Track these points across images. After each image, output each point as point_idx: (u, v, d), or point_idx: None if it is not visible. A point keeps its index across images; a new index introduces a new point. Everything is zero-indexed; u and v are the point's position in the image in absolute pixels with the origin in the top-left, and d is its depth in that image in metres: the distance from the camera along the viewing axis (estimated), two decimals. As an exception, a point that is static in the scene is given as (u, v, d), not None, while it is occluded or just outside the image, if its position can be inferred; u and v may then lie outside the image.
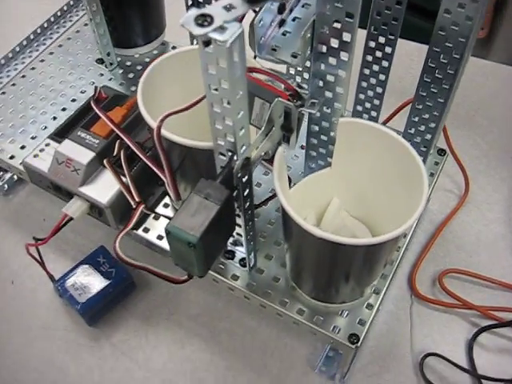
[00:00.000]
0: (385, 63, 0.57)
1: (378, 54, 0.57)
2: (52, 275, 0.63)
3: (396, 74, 0.59)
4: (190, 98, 0.46)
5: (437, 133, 0.57)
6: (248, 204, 0.46)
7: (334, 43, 0.41)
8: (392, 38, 0.55)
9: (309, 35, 0.43)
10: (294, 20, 0.46)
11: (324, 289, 0.52)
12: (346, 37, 0.41)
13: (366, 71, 0.59)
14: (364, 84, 0.60)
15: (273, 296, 0.54)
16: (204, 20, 0.31)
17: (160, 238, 0.57)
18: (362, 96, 0.62)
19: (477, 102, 0.83)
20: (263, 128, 0.43)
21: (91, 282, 0.62)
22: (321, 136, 0.49)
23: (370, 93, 0.61)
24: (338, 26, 0.40)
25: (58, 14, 0.92)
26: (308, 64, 0.46)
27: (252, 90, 0.43)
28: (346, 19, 0.39)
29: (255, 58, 0.47)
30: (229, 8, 0.32)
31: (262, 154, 0.44)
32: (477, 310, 0.63)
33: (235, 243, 0.54)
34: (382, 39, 0.55)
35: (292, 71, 0.65)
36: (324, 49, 0.42)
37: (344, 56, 0.42)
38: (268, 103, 0.43)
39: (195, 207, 0.41)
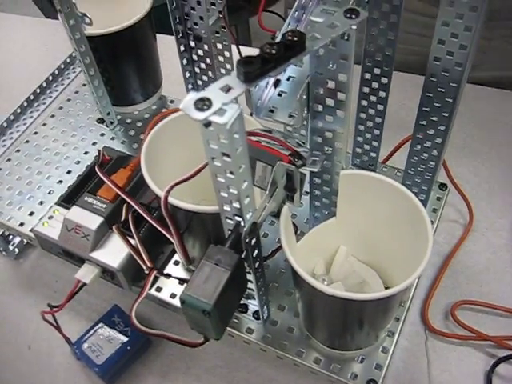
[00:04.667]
0: (380, 107, 0.58)
1: (373, 98, 0.58)
2: (68, 338, 0.63)
3: (391, 106, 0.59)
4: (194, 157, 0.46)
5: (437, 171, 0.58)
6: (258, 263, 0.46)
7: (330, 102, 0.43)
8: (385, 81, 0.56)
9: (304, 97, 0.44)
10: (288, 79, 0.47)
11: (338, 338, 0.52)
12: (341, 96, 0.42)
13: (362, 115, 0.60)
14: (361, 127, 0.61)
15: (289, 347, 0.54)
16: (203, 104, 0.32)
17: (173, 296, 0.58)
18: (360, 139, 0.63)
19: (474, 128, 0.84)
20: (267, 190, 0.44)
21: (107, 342, 0.62)
22: (323, 188, 0.50)
23: (368, 135, 0.62)
24: (332, 86, 0.41)
25: (56, 72, 0.94)
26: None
27: (253, 155, 0.44)
28: (340, 80, 0.41)
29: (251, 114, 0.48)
30: (226, 90, 0.33)
31: (268, 214, 0.45)
32: (492, 341, 0.63)
33: (248, 297, 0.55)
34: (375, 84, 0.57)
35: (290, 129, 0.66)
36: (320, 108, 0.43)
37: (340, 114, 0.43)
38: (270, 166, 0.44)
39: (207, 274, 0.42)
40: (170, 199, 0.46)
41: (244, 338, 0.55)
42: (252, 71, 0.33)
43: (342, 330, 0.51)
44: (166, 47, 0.76)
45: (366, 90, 0.57)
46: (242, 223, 0.41)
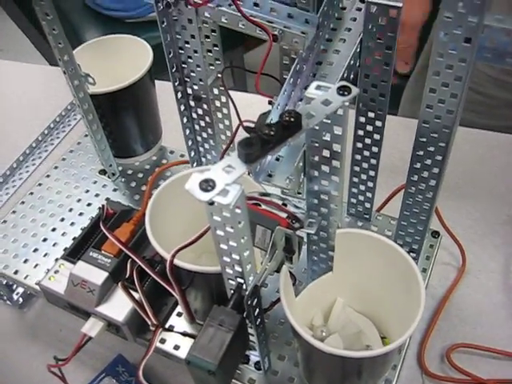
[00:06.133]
0: (373, 161, 0.61)
1: (366, 153, 0.61)
2: (73, 388, 0.65)
3: (384, 150, 0.62)
4: (198, 215, 0.48)
5: (429, 222, 0.60)
6: (259, 320, 0.48)
7: (325, 169, 0.45)
8: (378, 138, 0.59)
9: (301, 164, 0.46)
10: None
11: (338, 388, 0.54)
12: (336, 164, 0.44)
13: (356, 168, 0.63)
14: (355, 179, 0.64)
15: (290, 397, 0.56)
16: (207, 185, 0.35)
17: (176, 347, 0.59)
18: (354, 190, 0.65)
19: (464, 170, 0.86)
20: (268, 253, 0.46)
21: (112, 392, 0.64)
22: (320, 244, 0.52)
23: (362, 187, 0.64)
24: (327, 154, 0.44)
25: (57, 119, 0.97)
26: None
27: (253, 219, 0.46)
28: (334, 150, 0.43)
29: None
30: (228, 170, 0.36)
31: (269, 275, 0.47)
32: (487, 384, 0.65)
33: (249, 348, 0.57)
34: (368, 140, 0.59)
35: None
36: (316, 173, 0.46)
37: (335, 179, 0.45)
38: (269, 230, 0.46)
39: (211, 335, 0.44)
40: (176, 261, 0.49)
41: (246, 388, 0.57)
42: (252, 153, 0.36)
43: (341, 381, 0.53)
44: (164, 92, 0.78)
45: (359, 145, 0.60)
46: (244, 286, 0.43)
